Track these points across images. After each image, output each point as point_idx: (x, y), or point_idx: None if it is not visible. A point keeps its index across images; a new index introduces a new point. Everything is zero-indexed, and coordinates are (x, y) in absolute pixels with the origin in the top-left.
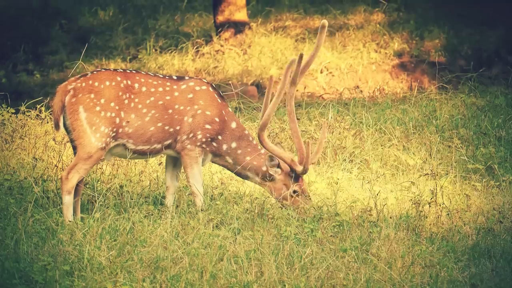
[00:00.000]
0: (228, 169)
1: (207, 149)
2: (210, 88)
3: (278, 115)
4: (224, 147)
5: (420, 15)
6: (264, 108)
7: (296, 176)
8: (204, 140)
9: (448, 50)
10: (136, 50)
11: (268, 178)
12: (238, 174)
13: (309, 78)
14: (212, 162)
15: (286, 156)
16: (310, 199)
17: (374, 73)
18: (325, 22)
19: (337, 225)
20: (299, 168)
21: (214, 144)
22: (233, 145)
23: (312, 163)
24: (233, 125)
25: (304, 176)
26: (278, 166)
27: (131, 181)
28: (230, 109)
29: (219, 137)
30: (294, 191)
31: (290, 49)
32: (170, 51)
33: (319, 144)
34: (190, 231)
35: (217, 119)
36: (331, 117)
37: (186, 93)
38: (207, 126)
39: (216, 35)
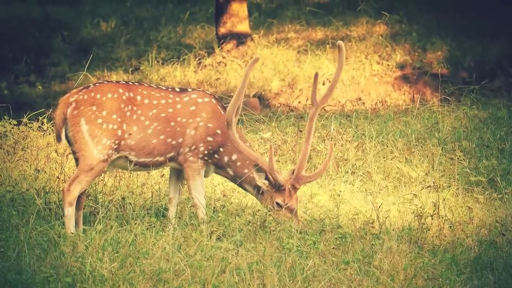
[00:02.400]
0: (230, 180)
1: (209, 161)
2: (213, 100)
3: (280, 127)
4: (226, 159)
5: (422, 27)
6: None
7: (279, 189)
8: (206, 152)
9: (450, 62)
10: (138, 62)
11: (260, 190)
12: (239, 185)
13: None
14: (215, 173)
15: (263, 162)
16: (297, 217)
17: (377, 85)
18: (341, 43)
19: (339, 237)
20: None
21: (216, 156)
22: (234, 157)
23: (309, 182)
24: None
25: (306, 188)
26: (266, 177)
27: (133, 193)
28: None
29: (221, 149)
30: (277, 204)
31: (292, 61)
32: (172, 63)
33: (324, 165)
34: (192, 243)
35: (219, 131)
36: (333, 129)
37: (189, 106)
38: (209, 139)
39: (218, 46)
